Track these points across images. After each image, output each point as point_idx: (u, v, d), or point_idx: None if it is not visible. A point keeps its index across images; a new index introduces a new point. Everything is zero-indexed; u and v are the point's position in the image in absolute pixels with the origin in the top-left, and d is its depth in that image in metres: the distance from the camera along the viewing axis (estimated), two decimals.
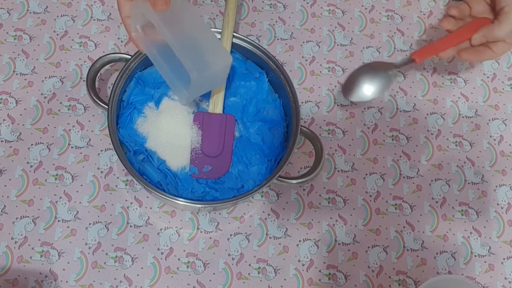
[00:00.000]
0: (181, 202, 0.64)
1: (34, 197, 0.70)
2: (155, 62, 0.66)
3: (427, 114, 0.80)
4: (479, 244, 0.73)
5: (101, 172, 0.72)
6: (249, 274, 0.69)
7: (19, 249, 0.67)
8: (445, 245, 0.73)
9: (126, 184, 0.72)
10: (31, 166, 0.71)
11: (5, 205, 0.69)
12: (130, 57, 0.70)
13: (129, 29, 0.65)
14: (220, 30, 0.71)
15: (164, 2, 0.59)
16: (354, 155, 0.76)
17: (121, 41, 0.80)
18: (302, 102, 0.79)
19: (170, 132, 0.70)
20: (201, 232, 0.71)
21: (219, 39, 0.71)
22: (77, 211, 0.70)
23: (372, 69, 0.75)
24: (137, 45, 0.66)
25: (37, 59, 0.77)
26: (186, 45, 0.60)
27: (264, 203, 0.73)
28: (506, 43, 0.72)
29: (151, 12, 0.59)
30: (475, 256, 0.72)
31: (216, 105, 0.72)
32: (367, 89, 0.73)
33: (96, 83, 0.71)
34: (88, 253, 0.68)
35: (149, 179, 0.67)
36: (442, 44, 0.73)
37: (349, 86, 0.74)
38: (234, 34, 0.72)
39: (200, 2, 0.84)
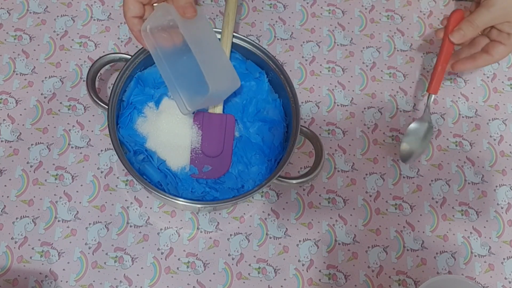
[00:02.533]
0: (181, 202, 0.64)
1: (34, 197, 0.70)
2: (158, 63, 0.67)
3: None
4: (479, 244, 0.73)
5: (101, 172, 0.72)
6: (249, 274, 0.69)
7: (19, 249, 0.67)
8: (445, 245, 0.73)
9: (126, 184, 0.72)
10: (31, 166, 0.71)
11: (5, 205, 0.69)
12: (130, 57, 0.70)
13: (134, 28, 0.65)
14: (220, 30, 0.72)
15: (194, 10, 0.62)
16: (354, 155, 0.76)
17: (121, 41, 0.80)
18: (302, 102, 0.79)
19: (170, 132, 0.70)
20: (201, 232, 0.71)
21: (219, 39, 0.72)
22: (77, 211, 0.70)
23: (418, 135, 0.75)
24: (142, 42, 0.66)
25: (37, 59, 0.77)
26: (206, 59, 0.64)
27: (264, 203, 0.73)
28: (505, 46, 0.70)
29: (180, 20, 0.62)
30: (475, 256, 0.72)
31: (216, 105, 0.72)
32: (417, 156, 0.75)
33: (96, 83, 0.71)
34: (88, 253, 0.68)
35: (149, 179, 0.67)
36: (444, 63, 0.73)
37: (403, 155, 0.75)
38: (234, 34, 0.72)
39: (200, 2, 0.84)
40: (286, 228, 0.72)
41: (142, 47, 0.70)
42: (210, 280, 0.68)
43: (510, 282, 0.71)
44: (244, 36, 0.73)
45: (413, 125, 0.74)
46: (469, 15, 0.71)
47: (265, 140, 0.71)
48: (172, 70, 0.67)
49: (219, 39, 0.72)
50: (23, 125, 0.73)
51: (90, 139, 0.74)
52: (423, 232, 0.73)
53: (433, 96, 0.74)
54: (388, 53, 0.83)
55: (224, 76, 0.66)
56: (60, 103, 0.75)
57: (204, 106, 0.70)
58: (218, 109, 0.72)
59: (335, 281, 0.70)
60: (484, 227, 0.74)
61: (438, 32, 0.74)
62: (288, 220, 0.72)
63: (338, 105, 0.79)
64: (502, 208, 0.75)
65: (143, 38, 0.66)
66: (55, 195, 0.70)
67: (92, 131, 0.74)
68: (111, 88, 0.68)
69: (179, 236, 0.70)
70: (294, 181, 0.68)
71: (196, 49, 0.62)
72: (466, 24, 0.70)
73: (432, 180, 0.76)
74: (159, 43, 0.66)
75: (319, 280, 0.69)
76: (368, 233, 0.72)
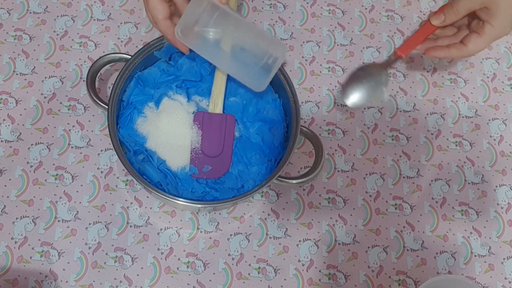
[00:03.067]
0: (181, 202, 0.64)
1: (34, 197, 0.70)
2: (216, 60, 0.67)
3: (427, 114, 0.80)
4: (479, 244, 0.73)
5: (101, 172, 0.72)
6: (249, 274, 0.69)
7: (19, 249, 0.67)
8: (445, 245, 0.73)
9: (126, 184, 0.72)
10: (31, 166, 0.71)
11: (5, 205, 0.69)
12: (130, 57, 0.70)
13: (169, 31, 0.64)
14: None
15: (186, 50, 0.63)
16: (354, 155, 0.76)
17: (121, 41, 0.80)
18: (302, 102, 0.79)
19: (170, 132, 0.70)
20: (201, 232, 0.71)
21: None
22: (77, 211, 0.70)
23: (365, 75, 0.72)
24: (180, 45, 0.65)
25: (37, 59, 0.77)
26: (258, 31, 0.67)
27: (264, 203, 0.73)
28: (479, 36, 0.68)
29: (210, 7, 0.62)
30: (475, 256, 0.72)
31: (216, 105, 0.72)
32: (362, 97, 0.72)
33: (96, 83, 0.71)
34: (88, 253, 0.68)
35: (149, 179, 0.67)
36: (420, 35, 0.71)
37: (346, 91, 0.72)
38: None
39: None
40: (286, 228, 0.72)
41: (143, 47, 0.70)
42: (210, 280, 0.68)
43: (510, 282, 0.71)
44: None
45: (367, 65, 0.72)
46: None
47: (265, 140, 0.71)
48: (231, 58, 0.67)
49: None
50: (23, 125, 0.73)
51: (90, 139, 0.74)
52: (423, 232, 0.73)
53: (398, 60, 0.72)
54: (388, 53, 0.83)
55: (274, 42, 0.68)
56: (60, 103, 0.75)
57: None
58: (218, 109, 0.72)
59: (335, 281, 0.70)
60: (484, 227, 0.74)
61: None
62: (288, 220, 0.72)
63: (338, 105, 0.79)
64: (502, 208, 0.75)
65: (179, 42, 0.64)
66: (55, 195, 0.70)
67: (92, 131, 0.74)
68: (111, 88, 0.68)
69: (179, 236, 0.70)
70: (294, 181, 0.68)
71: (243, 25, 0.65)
72: (448, 8, 0.69)
73: (432, 180, 0.76)
74: (196, 41, 0.66)
75: (319, 280, 0.69)
76: (368, 233, 0.72)
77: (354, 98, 0.71)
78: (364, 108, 0.79)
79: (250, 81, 0.67)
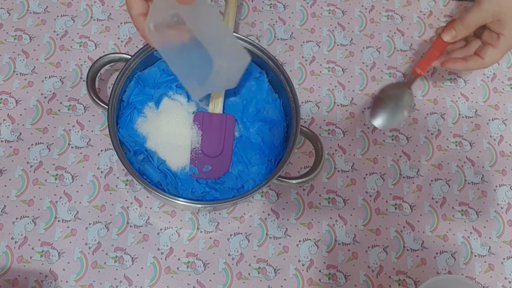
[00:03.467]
0: (181, 202, 0.64)
1: (34, 197, 0.70)
2: (167, 58, 0.65)
3: (427, 114, 0.80)
4: (479, 244, 0.73)
5: (101, 172, 0.72)
6: (249, 274, 0.69)
7: (19, 249, 0.67)
8: (445, 245, 0.73)
9: (126, 184, 0.72)
10: (31, 166, 0.71)
11: (5, 205, 0.69)
12: (130, 57, 0.70)
13: (140, 26, 0.64)
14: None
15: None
16: (354, 155, 0.76)
17: (121, 41, 0.80)
18: (302, 102, 0.79)
19: (170, 132, 0.70)
20: (201, 232, 0.71)
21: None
22: (77, 211, 0.70)
23: (390, 97, 0.71)
24: (150, 41, 0.65)
25: (37, 59, 0.77)
26: (211, 38, 0.62)
27: (264, 203, 0.73)
28: (494, 48, 0.69)
29: (179, 6, 0.60)
30: (475, 256, 0.72)
31: (216, 105, 0.72)
32: (388, 118, 0.71)
33: (96, 83, 0.71)
34: (88, 253, 0.68)
35: (149, 179, 0.67)
36: (435, 51, 0.72)
37: (373, 114, 0.71)
38: (234, 34, 0.72)
39: None
40: (286, 228, 0.72)
41: (143, 47, 0.70)
42: (210, 280, 0.68)
43: (510, 282, 0.71)
44: (244, 36, 0.73)
45: (389, 89, 0.71)
46: (463, 14, 0.70)
47: (265, 140, 0.71)
48: (182, 58, 0.65)
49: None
50: (23, 125, 0.73)
51: (90, 139, 0.74)
52: (423, 232, 0.73)
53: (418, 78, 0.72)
54: (388, 53, 0.83)
55: (231, 52, 0.64)
56: (60, 103, 0.75)
57: (218, 90, 0.68)
58: (218, 109, 0.72)
59: (335, 281, 0.70)
60: (484, 227, 0.74)
61: (433, 39, 0.74)
62: (288, 220, 0.72)
63: (338, 105, 0.79)
64: (502, 208, 0.75)
65: (148, 36, 0.64)
66: (55, 195, 0.70)
67: (92, 131, 0.74)
68: (111, 88, 0.68)
69: (179, 236, 0.70)
70: (294, 181, 0.68)
71: (197, 30, 0.61)
72: (458, 23, 0.70)
73: (432, 180, 0.76)
74: (167, 37, 0.65)
75: (319, 280, 0.69)
76: (368, 233, 0.72)
77: (381, 120, 0.70)
78: (364, 108, 0.79)
79: (189, 84, 0.65)
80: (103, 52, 0.79)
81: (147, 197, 0.71)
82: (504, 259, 0.73)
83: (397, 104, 0.71)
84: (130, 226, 0.70)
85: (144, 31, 0.64)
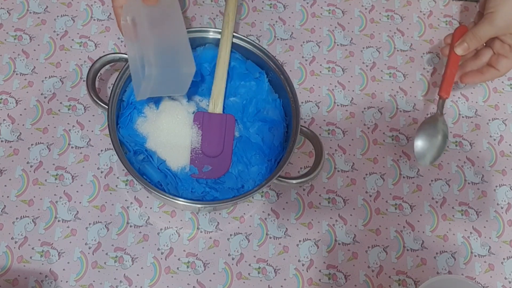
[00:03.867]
0: (181, 202, 0.64)
1: (34, 197, 0.70)
2: (129, 54, 0.66)
3: (427, 114, 0.80)
4: (479, 244, 0.73)
5: (101, 172, 0.72)
6: (249, 274, 0.69)
7: (19, 249, 0.67)
8: (445, 245, 0.73)
9: (126, 184, 0.72)
10: (31, 166, 0.71)
11: (5, 205, 0.69)
12: None
13: (119, 18, 0.66)
14: (220, 30, 0.72)
15: None
16: (354, 155, 0.76)
17: (121, 41, 0.80)
18: (302, 102, 0.79)
19: (170, 132, 0.70)
20: (201, 232, 0.71)
21: (219, 39, 0.71)
22: (77, 211, 0.70)
23: (431, 133, 0.73)
24: (121, 32, 0.67)
25: (37, 59, 0.77)
26: (157, 43, 0.61)
27: (264, 203, 0.73)
28: (508, 59, 0.72)
29: (139, 5, 0.61)
30: (475, 256, 0.72)
31: (216, 105, 0.72)
32: (434, 153, 0.73)
33: (96, 83, 0.71)
34: (88, 253, 0.68)
35: (149, 179, 0.67)
36: (453, 68, 0.74)
37: (420, 155, 0.72)
38: (234, 34, 0.72)
39: (200, 2, 0.84)
40: (286, 228, 0.72)
41: None
42: (210, 280, 0.68)
43: (510, 282, 0.71)
44: (244, 36, 0.73)
45: (424, 124, 0.73)
46: (473, 27, 0.72)
47: (265, 140, 0.71)
48: (138, 56, 0.63)
49: (219, 39, 0.72)
50: (23, 125, 0.73)
51: (90, 139, 0.74)
52: (423, 232, 0.73)
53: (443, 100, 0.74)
54: (388, 53, 0.83)
55: (174, 60, 0.62)
56: (60, 103, 0.75)
57: (161, 94, 0.67)
58: (218, 109, 0.72)
59: (335, 281, 0.70)
60: (484, 227, 0.74)
61: (443, 50, 0.76)
62: (288, 220, 0.72)
63: (338, 105, 0.79)
64: (502, 208, 0.75)
65: (121, 28, 0.66)
66: (55, 195, 0.70)
67: (92, 131, 0.74)
68: (111, 88, 0.68)
69: (179, 236, 0.70)
70: (294, 181, 0.68)
71: (144, 31, 0.61)
72: (470, 36, 0.72)
73: (432, 180, 0.76)
74: (135, 33, 0.64)
75: (319, 280, 0.69)
76: (368, 233, 0.72)
77: (428, 158, 0.72)
78: (364, 108, 0.79)
79: (134, 84, 0.65)
80: (103, 52, 0.79)
81: (147, 197, 0.71)
82: (504, 259, 0.73)
83: (436, 137, 0.73)
84: (130, 226, 0.70)
85: (119, 22, 0.66)
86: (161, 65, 0.61)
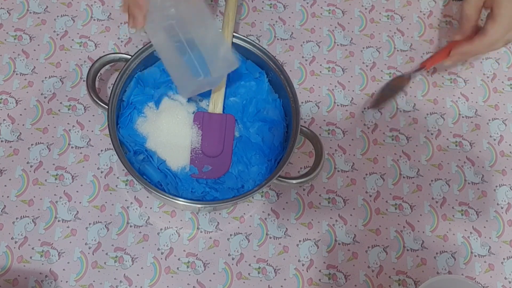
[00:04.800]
0: (181, 202, 0.64)
1: (34, 197, 0.70)
2: (166, 55, 0.67)
3: (427, 114, 0.80)
4: (479, 244, 0.73)
5: (101, 172, 0.72)
6: (249, 274, 0.69)
7: (19, 249, 0.67)
8: (445, 245, 0.73)
9: (126, 184, 0.72)
10: (31, 166, 0.71)
11: (5, 205, 0.69)
12: (130, 57, 0.70)
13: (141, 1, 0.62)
14: (220, 30, 0.72)
15: (139, 23, 0.61)
16: (354, 155, 0.76)
17: (121, 41, 0.80)
18: (302, 102, 0.79)
19: (170, 132, 0.70)
20: (201, 232, 0.71)
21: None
22: (77, 211, 0.70)
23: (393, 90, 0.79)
24: (148, 34, 0.64)
25: (37, 59, 0.77)
26: (208, 47, 0.65)
27: (264, 203, 0.73)
28: (494, 21, 0.70)
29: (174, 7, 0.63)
30: (475, 256, 0.72)
31: (216, 105, 0.72)
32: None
33: (96, 83, 0.71)
34: (88, 253, 0.68)
35: (149, 179, 0.67)
36: (445, 50, 0.77)
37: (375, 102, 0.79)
38: (234, 34, 0.72)
39: None
40: (286, 228, 0.72)
41: (142, 47, 0.70)
42: (210, 280, 0.68)
43: (510, 282, 0.71)
44: (244, 36, 0.73)
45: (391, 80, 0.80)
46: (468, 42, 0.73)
47: (265, 140, 0.71)
48: (175, 56, 0.66)
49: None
50: (23, 125, 0.73)
51: (90, 139, 0.74)
52: (423, 232, 0.73)
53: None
54: (388, 53, 0.83)
55: (224, 62, 0.66)
56: (60, 103, 0.75)
57: (201, 89, 0.69)
58: (218, 109, 0.72)
59: (335, 281, 0.70)
60: (484, 227, 0.74)
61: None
62: (288, 220, 0.72)
63: (338, 105, 0.79)
64: (502, 208, 0.75)
65: (147, 30, 0.64)
66: (55, 195, 0.70)
67: (92, 131, 0.74)
68: (111, 88, 0.68)
69: (179, 236, 0.70)
70: (294, 181, 0.68)
71: (187, 34, 0.63)
72: (460, 18, 0.75)
73: (432, 180, 0.76)
74: (160, 33, 0.65)
75: (319, 280, 0.69)
76: (368, 233, 0.72)
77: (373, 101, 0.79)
78: (364, 108, 0.79)
79: (179, 83, 0.68)
80: (103, 52, 0.79)
81: (147, 197, 0.71)
82: (504, 259, 0.73)
83: (392, 90, 0.78)
84: (130, 226, 0.70)
85: (144, 12, 0.62)
86: (214, 70, 0.65)
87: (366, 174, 0.75)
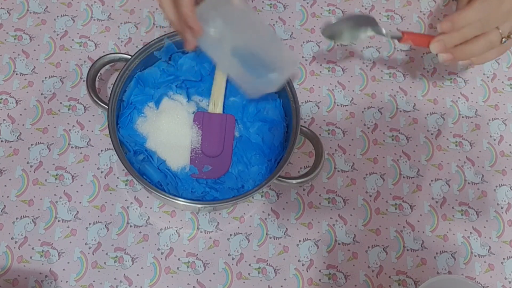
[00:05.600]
0: (181, 202, 0.64)
1: (34, 197, 0.70)
2: (220, 64, 0.69)
3: (427, 114, 0.80)
4: (479, 244, 0.73)
5: (101, 172, 0.72)
6: (249, 274, 0.69)
7: (19, 249, 0.67)
8: (445, 245, 0.73)
9: (126, 184, 0.72)
10: (31, 166, 0.71)
11: (5, 205, 0.69)
12: (130, 57, 0.70)
13: (190, 7, 0.61)
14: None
15: (193, 45, 0.63)
16: (354, 155, 0.76)
17: (121, 41, 0.80)
18: (302, 102, 0.79)
19: (170, 132, 0.70)
20: (201, 232, 0.71)
21: None
22: (77, 211, 0.70)
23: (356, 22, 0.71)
24: (197, 24, 0.62)
25: (37, 59, 0.77)
26: (255, 46, 0.66)
27: (264, 203, 0.73)
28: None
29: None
30: (475, 256, 0.72)
31: (216, 105, 0.72)
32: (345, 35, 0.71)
33: (96, 83, 0.71)
34: (88, 253, 0.68)
35: (149, 179, 0.67)
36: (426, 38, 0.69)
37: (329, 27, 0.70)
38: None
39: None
40: (286, 228, 0.72)
41: (142, 47, 0.70)
42: (210, 280, 0.68)
43: (510, 282, 0.71)
44: None
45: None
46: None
47: (265, 140, 0.71)
48: (229, 65, 0.67)
49: None
50: (23, 125, 0.73)
51: (90, 139, 0.74)
52: (423, 232, 0.73)
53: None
54: (388, 53, 0.83)
55: (287, 63, 0.68)
56: (60, 103, 0.75)
57: (269, 89, 0.70)
58: (218, 109, 0.72)
59: (335, 281, 0.70)
60: (484, 227, 0.74)
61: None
62: (288, 220, 0.72)
63: (338, 105, 0.79)
64: (502, 208, 0.75)
65: (197, 21, 0.62)
66: (55, 195, 0.70)
67: (92, 131, 0.74)
68: (111, 88, 0.68)
69: (179, 236, 0.70)
70: (294, 181, 0.68)
71: (239, 40, 0.65)
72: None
73: (432, 180, 0.76)
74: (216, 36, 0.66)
75: (319, 280, 0.69)
76: (368, 233, 0.72)
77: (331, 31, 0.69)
78: (364, 108, 0.79)
79: (246, 87, 0.68)
80: (103, 52, 0.79)
81: (147, 197, 0.71)
82: (504, 259, 0.73)
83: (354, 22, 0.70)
84: (130, 226, 0.70)
85: (192, 12, 0.61)
86: (283, 72, 0.67)
87: (366, 174, 0.75)
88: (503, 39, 0.66)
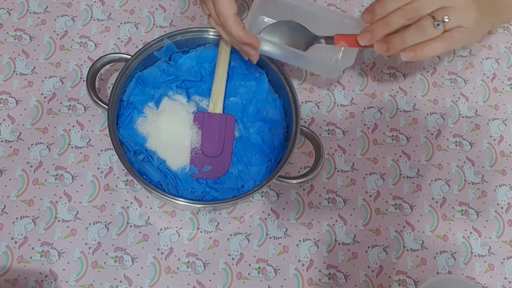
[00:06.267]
0: (181, 202, 0.64)
1: (34, 197, 0.70)
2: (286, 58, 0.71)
3: (427, 114, 0.80)
4: (479, 244, 0.73)
5: (101, 172, 0.72)
6: (249, 274, 0.69)
7: (19, 249, 0.67)
8: (445, 245, 0.73)
9: (126, 184, 0.72)
10: (31, 166, 0.71)
11: (5, 205, 0.69)
12: (130, 57, 0.70)
13: (238, 27, 0.61)
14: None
15: (256, 57, 0.65)
16: (354, 155, 0.76)
17: (121, 41, 0.80)
18: (302, 102, 0.79)
19: (170, 132, 0.70)
20: (201, 232, 0.71)
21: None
22: (77, 211, 0.70)
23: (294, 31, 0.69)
24: (253, 40, 0.62)
25: (37, 59, 0.77)
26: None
27: (264, 203, 0.73)
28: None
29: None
30: (475, 256, 0.72)
31: (216, 105, 0.72)
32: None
33: (96, 83, 0.71)
34: (88, 253, 0.68)
35: (149, 179, 0.67)
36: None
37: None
38: None
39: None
40: (286, 228, 0.72)
41: (143, 47, 0.70)
42: (210, 280, 0.68)
43: (510, 282, 0.71)
44: None
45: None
46: None
47: (265, 140, 0.71)
48: (292, 55, 0.69)
49: (219, 39, 0.72)
50: (23, 125, 0.73)
51: (90, 139, 0.74)
52: (423, 232, 0.73)
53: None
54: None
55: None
56: (60, 103, 0.75)
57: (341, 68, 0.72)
58: (218, 109, 0.72)
59: (335, 281, 0.70)
60: (484, 227, 0.74)
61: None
62: (288, 220, 0.72)
63: (338, 105, 0.79)
64: (502, 208, 0.75)
65: (252, 36, 0.62)
66: (55, 195, 0.70)
67: (92, 131, 0.74)
68: (111, 88, 0.68)
69: (179, 236, 0.70)
70: (294, 181, 0.68)
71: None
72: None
73: (432, 180, 0.76)
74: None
75: (319, 280, 0.69)
76: (368, 233, 0.72)
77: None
78: (364, 108, 0.79)
79: (324, 73, 0.77)
80: (103, 52, 0.79)
81: (147, 197, 0.71)
82: (504, 259, 0.73)
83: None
84: (130, 226, 0.70)
85: (244, 30, 0.62)
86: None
87: (366, 174, 0.75)
88: (436, 22, 0.62)
